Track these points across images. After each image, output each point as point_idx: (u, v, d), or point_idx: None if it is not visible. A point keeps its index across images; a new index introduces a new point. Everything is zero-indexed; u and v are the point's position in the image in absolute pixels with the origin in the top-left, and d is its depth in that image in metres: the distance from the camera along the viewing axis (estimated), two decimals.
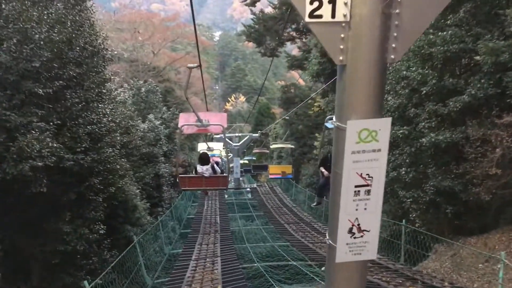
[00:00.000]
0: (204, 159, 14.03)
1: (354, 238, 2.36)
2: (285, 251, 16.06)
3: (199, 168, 13.85)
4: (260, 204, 29.06)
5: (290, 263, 13.65)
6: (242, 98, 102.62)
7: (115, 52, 34.12)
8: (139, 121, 21.55)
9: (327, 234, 2.56)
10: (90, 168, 10.43)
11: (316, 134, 28.66)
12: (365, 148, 2.17)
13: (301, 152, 36.42)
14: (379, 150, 2.20)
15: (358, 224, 2.34)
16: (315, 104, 30.22)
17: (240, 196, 34.04)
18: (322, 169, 11.58)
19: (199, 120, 10.48)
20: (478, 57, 11.36)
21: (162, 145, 22.37)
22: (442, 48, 12.15)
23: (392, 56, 2.12)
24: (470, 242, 12.64)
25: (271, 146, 29.66)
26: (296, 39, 36.30)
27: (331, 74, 23.06)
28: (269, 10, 35.92)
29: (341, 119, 2.19)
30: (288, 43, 37.72)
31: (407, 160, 14.07)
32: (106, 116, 11.42)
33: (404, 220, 14.37)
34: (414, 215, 14.43)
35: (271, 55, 37.33)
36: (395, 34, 2.08)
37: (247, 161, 41.06)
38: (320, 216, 24.47)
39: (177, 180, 13.11)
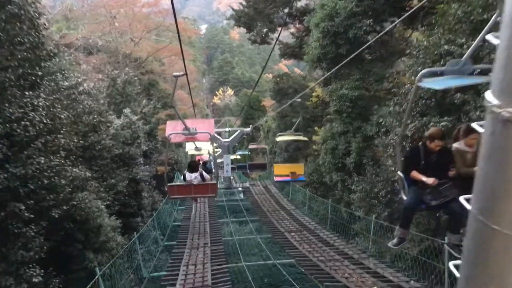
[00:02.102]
0: (193, 166, 14.26)
1: None
2: (292, 274, 12.76)
3: (188, 175, 13.92)
4: (254, 206, 25.69)
5: None
6: (230, 91, 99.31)
7: (90, 40, 30.41)
8: (113, 117, 17.99)
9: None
10: (11, 188, 6.99)
11: (316, 128, 25.34)
12: None
13: (296, 147, 33.09)
14: None
15: None
16: (314, 94, 26.86)
17: (232, 196, 30.60)
18: (418, 175, 5.88)
19: (186, 128, 10.58)
20: None
21: (140, 143, 18.82)
22: None
23: None
24: None
25: (277, 139, 22.67)
26: (289, 24, 32.81)
27: (335, 59, 19.63)
28: None
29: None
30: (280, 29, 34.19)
31: None
32: (40, 110, 7.84)
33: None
34: None
35: (262, 42, 33.84)
36: None
37: (239, 157, 37.64)
38: (323, 220, 21.23)
39: (165, 182, 13.52)
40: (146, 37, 39.42)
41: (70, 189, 9.53)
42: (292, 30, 34.23)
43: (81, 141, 11.84)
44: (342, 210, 19.76)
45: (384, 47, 20.18)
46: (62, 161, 8.85)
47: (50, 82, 9.70)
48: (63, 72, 13.77)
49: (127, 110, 18.97)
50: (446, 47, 10.49)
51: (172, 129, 10.96)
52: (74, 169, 9.63)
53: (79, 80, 13.12)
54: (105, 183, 13.87)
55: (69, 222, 9.87)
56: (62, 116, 8.99)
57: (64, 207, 9.11)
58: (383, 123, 14.45)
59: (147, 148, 21.10)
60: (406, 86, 12.03)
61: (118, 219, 15.51)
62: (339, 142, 20.78)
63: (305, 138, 19.59)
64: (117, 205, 14.69)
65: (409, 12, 12.36)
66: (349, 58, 12.06)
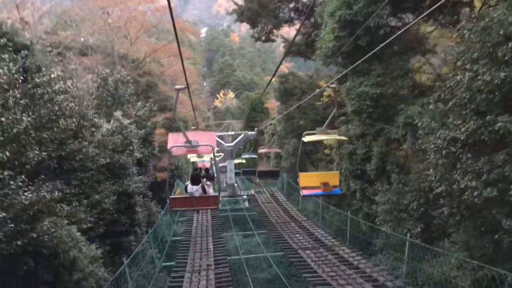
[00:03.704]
0: (195, 179, 14.02)
1: None
2: None
3: (190, 187, 13.84)
4: (261, 217, 23.17)
5: None
6: (231, 94, 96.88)
7: (82, 39, 27.95)
8: (102, 121, 15.52)
9: None
10: None
11: (328, 130, 22.79)
12: None
13: (305, 151, 30.51)
14: None
15: None
16: (325, 93, 24.35)
17: (236, 205, 28.06)
18: None
19: (188, 141, 10.71)
20: None
21: (133, 151, 16.32)
22: None
23: None
24: None
25: (304, 139, 12.70)
26: (295, 20, 30.32)
27: (352, 53, 17.15)
28: None
29: None
30: (286, 26, 31.69)
31: None
32: None
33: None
34: None
35: (266, 39, 31.36)
36: None
37: (244, 161, 35.03)
38: (338, 233, 18.68)
39: (167, 194, 13.27)
40: (143, 36, 37.04)
41: (29, 216, 7.02)
42: (298, 26, 31.71)
43: (51, 150, 9.30)
44: (361, 222, 17.21)
45: (398, 42, 17.70)
46: (11, 182, 6.37)
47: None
48: (38, 67, 11.40)
49: (118, 113, 16.47)
50: None
51: (174, 142, 10.97)
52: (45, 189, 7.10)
53: (53, 76, 10.58)
54: (86, 200, 11.34)
55: (29, 258, 7.38)
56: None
57: (18, 242, 6.63)
58: (419, 124, 11.93)
59: (141, 156, 18.58)
60: (458, 78, 9.49)
61: (106, 240, 13.09)
62: (357, 146, 18.26)
63: (345, 138, 15.11)
64: (103, 225, 12.16)
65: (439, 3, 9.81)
66: (378, 48, 9.54)
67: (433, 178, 11.25)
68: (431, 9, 8.14)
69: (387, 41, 8.94)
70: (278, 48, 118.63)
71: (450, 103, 10.10)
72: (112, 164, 14.48)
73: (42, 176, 8.08)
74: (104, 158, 13.32)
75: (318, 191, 13.58)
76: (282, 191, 30.40)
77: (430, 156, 11.24)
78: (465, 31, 9.36)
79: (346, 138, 15.71)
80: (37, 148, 8.14)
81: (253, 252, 18.25)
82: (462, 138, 9.50)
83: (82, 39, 27.18)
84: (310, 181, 13.77)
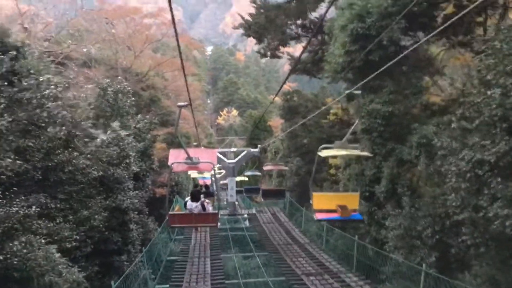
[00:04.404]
0: (195, 196, 14.17)
1: None
2: None
3: (189, 204, 13.99)
4: (262, 237, 22.01)
5: None
6: (235, 112, 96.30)
7: (84, 50, 27.18)
8: (99, 131, 14.55)
9: None
10: None
11: None
12: None
13: (308, 170, 29.45)
14: None
15: None
16: (332, 111, 23.40)
17: (236, 224, 26.89)
18: None
19: (189, 157, 10.59)
20: None
21: (130, 164, 15.28)
22: None
23: None
24: None
25: (321, 154, 10.55)
26: (302, 37, 29.56)
27: (363, 68, 16.21)
28: None
29: None
30: (292, 43, 30.93)
31: None
32: None
33: None
34: None
35: (272, 55, 30.57)
36: None
37: (246, 178, 33.86)
38: (342, 258, 17.52)
39: (166, 210, 12.86)
40: (147, 50, 36.34)
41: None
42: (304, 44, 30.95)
43: (36, 160, 8.27)
44: (369, 247, 16.04)
45: (407, 61, 16.81)
46: None
47: None
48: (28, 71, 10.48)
49: (115, 124, 15.50)
50: None
51: (175, 158, 10.84)
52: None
53: (41, 79, 9.63)
54: (73, 216, 10.26)
55: None
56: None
57: None
58: (438, 144, 10.88)
59: (139, 170, 17.52)
60: (488, 93, 8.48)
61: (94, 260, 11.99)
62: (366, 166, 17.19)
63: (369, 154, 13.01)
64: (91, 244, 11.05)
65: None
66: (390, 63, 8.60)
67: (453, 204, 10.17)
68: (445, 25, 7.30)
69: (399, 57, 7.99)
70: (283, 68, 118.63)
71: (477, 121, 9.08)
72: (105, 177, 13.41)
73: (15, 188, 7.05)
74: (97, 171, 12.27)
75: (335, 215, 11.27)
76: (284, 211, 29.25)
77: (451, 179, 10.17)
78: (496, 42, 8.40)
79: (371, 154, 13.99)
80: (15, 157, 7.12)
81: (253, 274, 17.10)
82: (491, 160, 8.45)
83: (84, 49, 26.29)
84: (325, 203, 11.36)
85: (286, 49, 31.66)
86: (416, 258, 13.03)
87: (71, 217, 10.23)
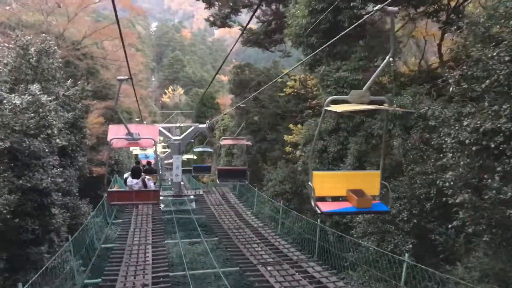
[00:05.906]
0: (136, 172, 13.35)
1: None
2: None
3: (129, 180, 13.21)
4: (211, 221, 19.74)
5: None
6: (180, 90, 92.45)
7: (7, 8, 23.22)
8: (13, 96, 11.55)
9: None
10: None
11: (291, 126, 19.75)
12: None
13: (259, 149, 27.45)
14: None
15: None
16: (288, 83, 21.28)
17: (182, 206, 24.40)
18: None
19: (129, 133, 10.24)
20: None
21: (52, 136, 12.40)
22: None
23: None
24: None
25: (345, 108, 5.80)
26: (255, 5, 27.17)
27: (329, 32, 14.14)
28: None
29: None
30: (244, 11, 28.40)
31: None
32: None
33: None
34: None
35: (222, 24, 27.98)
36: None
37: (195, 156, 31.30)
38: (298, 241, 15.74)
39: (105, 188, 12.40)
40: (84, 16, 32.50)
41: None
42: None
43: None
44: (330, 232, 14.28)
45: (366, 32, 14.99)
46: None
47: None
48: None
49: (34, 87, 12.49)
50: None
51: (114, 134, 10.36)
52: None
53: None
54: None
55: None
56: None
57: None
58: (429, 112, 9.03)
59: (66, 143, 14.58)
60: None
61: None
62: (329, 142, 15.28)
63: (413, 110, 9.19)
64: None
65: None
66: (356, 24, 6.68)
67: (446, 184, 8.38)
68: None
69: (360, 21, 5.99)
70: (230, 47, 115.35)
71: (487, 81, 7.23)
72: (18, 150, 10.55)
73: None
74: (3, 141, 9.40)
75: (348, 206, 6.34)
76: (234, 192, 27.08)
77: (446, 154, 8.36)
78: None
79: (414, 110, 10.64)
80: None
81: (200, 261, 14.92)
82: (509, 129, 6.63)
83: (7, 7, 22.37)
84: (330, 186, 6.44)
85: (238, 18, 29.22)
86: (389, 245, 11.34)
87: None
